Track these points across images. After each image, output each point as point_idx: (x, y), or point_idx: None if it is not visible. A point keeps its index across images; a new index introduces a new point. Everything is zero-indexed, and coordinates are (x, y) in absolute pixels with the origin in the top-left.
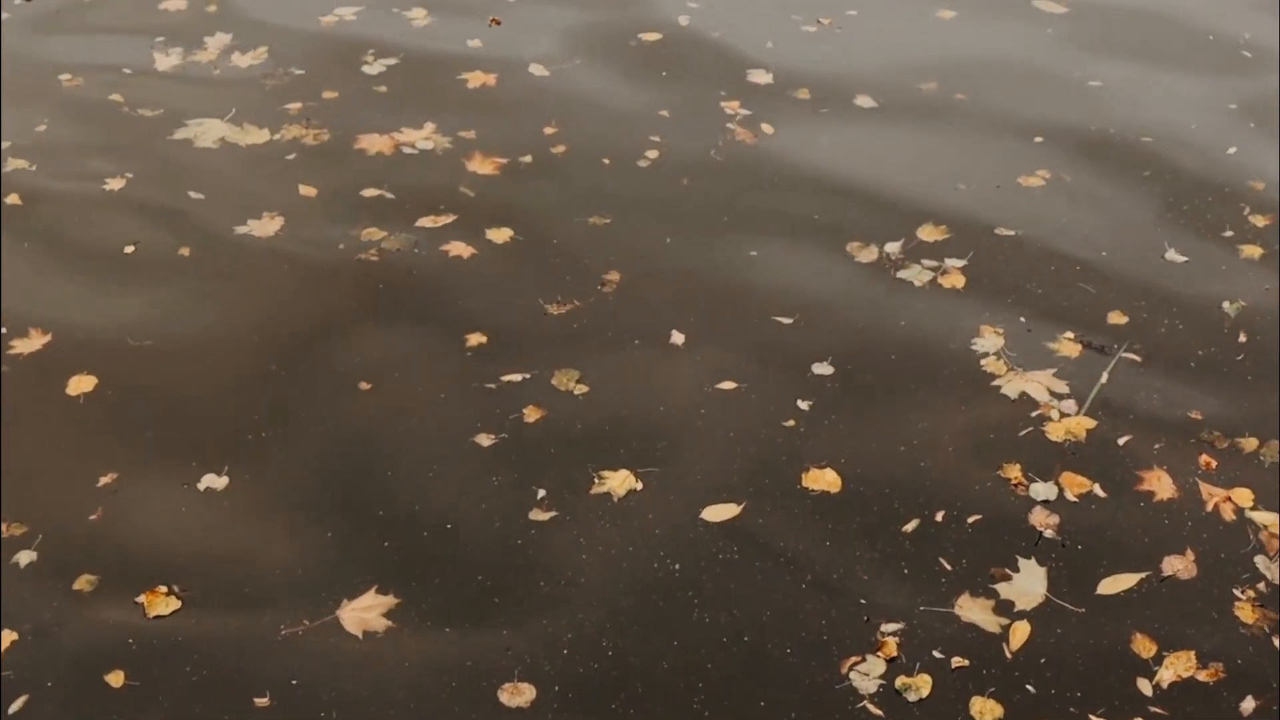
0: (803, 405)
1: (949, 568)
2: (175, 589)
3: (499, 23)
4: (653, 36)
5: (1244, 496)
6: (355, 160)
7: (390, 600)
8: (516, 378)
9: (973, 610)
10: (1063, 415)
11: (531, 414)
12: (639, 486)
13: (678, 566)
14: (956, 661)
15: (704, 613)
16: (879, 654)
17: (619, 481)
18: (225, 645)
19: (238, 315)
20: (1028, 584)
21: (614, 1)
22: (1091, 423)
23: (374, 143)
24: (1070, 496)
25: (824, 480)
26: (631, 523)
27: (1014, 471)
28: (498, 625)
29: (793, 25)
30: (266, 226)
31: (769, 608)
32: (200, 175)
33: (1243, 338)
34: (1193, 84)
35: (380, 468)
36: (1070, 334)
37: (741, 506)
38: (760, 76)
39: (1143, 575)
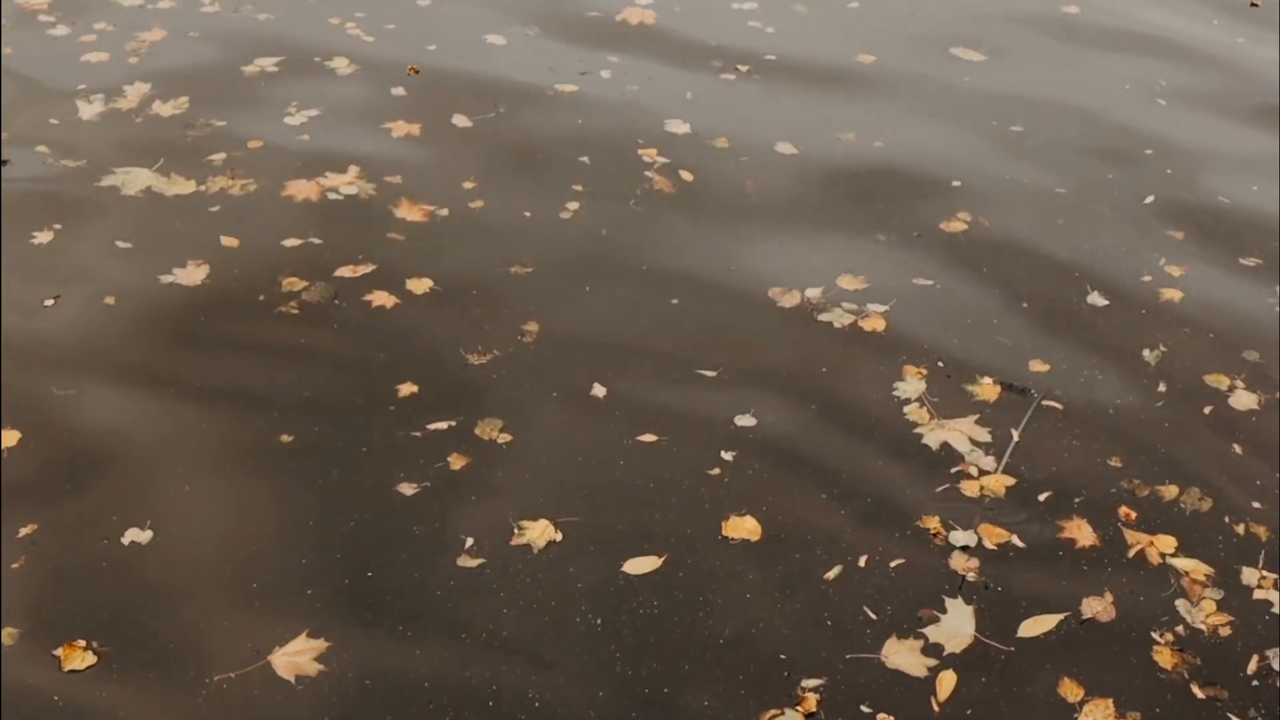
0: (726, 456)
1: (873, 616)
2: (93, 644)
3: (417, 71)
4: (571, 89)
5: (1166, 543)
6: (281, 208)
7: (321, 644)
8: (442, 425)
9: (900, 654)
10: (981, 472)
11: (456, 462)
12: (559, 538)
13: (599, 620)
14: (882, 718)
15: (625, 666)
16: (798, 709)
17: (539, 533)
18: (148, 698)
19: (160, 367)
20: (956, 624)
21: (535, 54)
22: (1010, 480)
23: (300, 189)
24: (989, 545)
25: (744, 528)
26: (552, 575)
27: (933, 523)
28: (420, 678)
29: (711, 72)
30: (193, 275)
31: (688, 661)
32: (127, 224)
33: (1162, 386)
34: (1108, 129)
35: (303, 517)
36: (990, 379)
37: (663, 559)
38: (678, 127)
39: (1061, 616)
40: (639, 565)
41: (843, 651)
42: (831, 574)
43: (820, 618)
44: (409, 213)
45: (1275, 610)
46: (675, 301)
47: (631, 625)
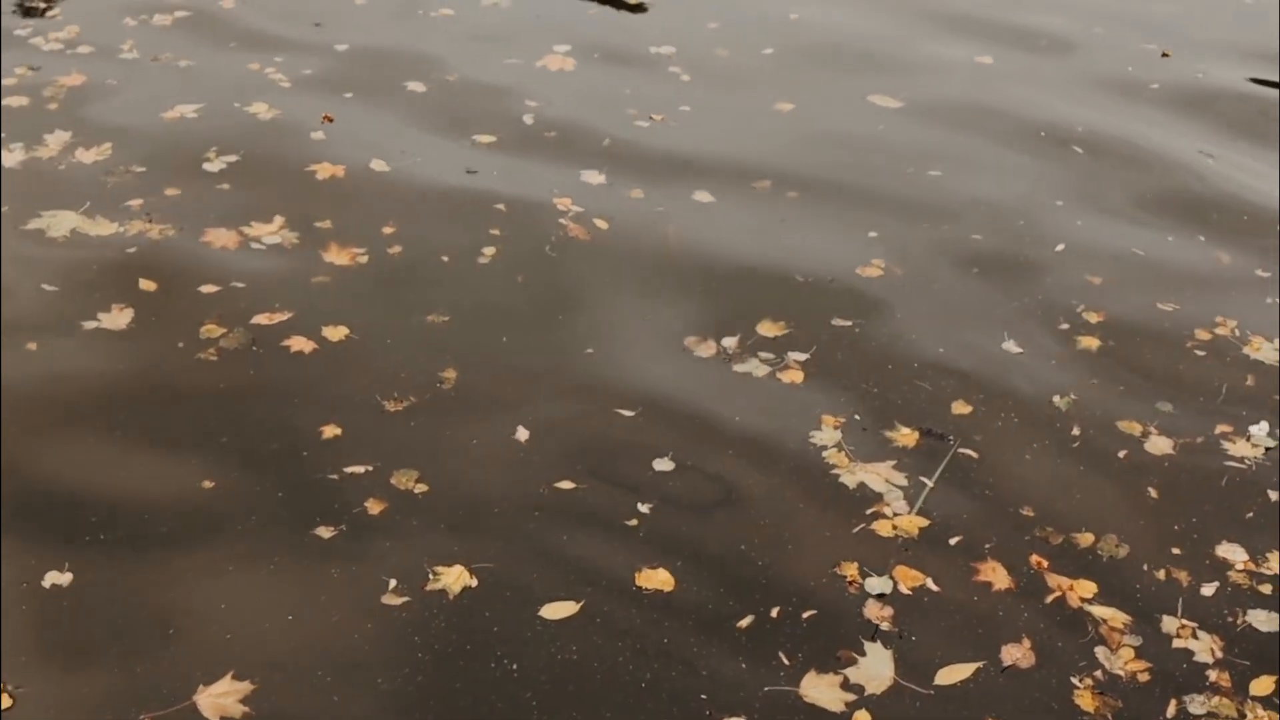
0: (643, 508)
1: (787, 662)
2: (8, 687)
3: (331, 119)
4: (488, 138)
5: (1086, 589)
6: (200, 254)
7: (247, 686)
8: (359, 470)
9: (819, 687)
10: (895, 514)
11: (374, 506)
12: (474, 583)
13: (515, 666)
14: None
15: (542, 713)
16: None
17: (453, 578)
18: None
19: (82, 413)
20: (875, 668)
21: (454, 100)
22: (924, 521)
23: (220, 237)
24: (904, 590)
25: (656, 580)
26: (469, 620)
27: (850, 569)
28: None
29: (627, 120)
30: (118, 319)
31: (608, 707)
32: (52, 268)
33: (1075, 431)
34: (1023, 179)
35: (222, 561)
36: (907, 427)
37: (579, 605)
38: (594, 177)
39: (979, 665)
40: (556, 610)
41: (761, 685)
42: (745, 622)
43: (736, 663)
44: (336, 257)
45: (1197, 659)
46: (590, 351)
47: (549, 672)
